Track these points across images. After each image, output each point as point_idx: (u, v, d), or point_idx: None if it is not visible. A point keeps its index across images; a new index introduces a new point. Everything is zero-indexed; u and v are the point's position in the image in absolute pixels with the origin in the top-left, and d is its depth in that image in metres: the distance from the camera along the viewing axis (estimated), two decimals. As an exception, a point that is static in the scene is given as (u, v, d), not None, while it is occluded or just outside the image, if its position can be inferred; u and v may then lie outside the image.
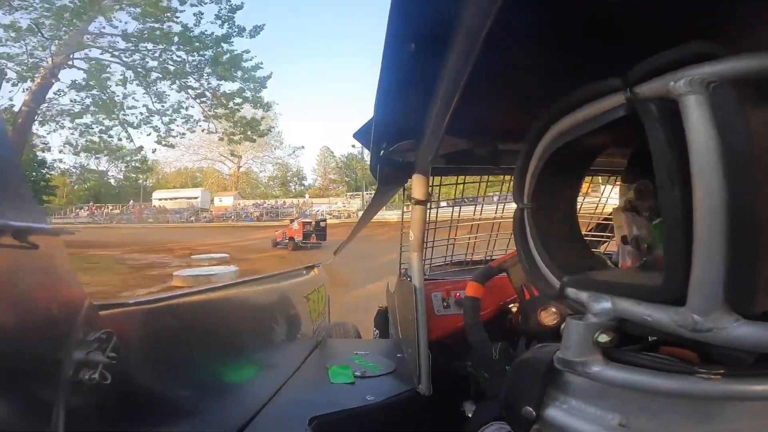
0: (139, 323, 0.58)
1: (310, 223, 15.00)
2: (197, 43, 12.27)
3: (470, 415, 0.88)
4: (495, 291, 1.26)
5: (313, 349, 1.42)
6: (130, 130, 14.05)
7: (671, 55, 0.36)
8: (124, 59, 12.91)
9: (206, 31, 12.53)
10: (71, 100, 13.30)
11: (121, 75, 13.14)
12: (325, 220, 15.93)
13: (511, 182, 0.84)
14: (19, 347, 0.38)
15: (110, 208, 40.92)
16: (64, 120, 13.59)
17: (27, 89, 11.86)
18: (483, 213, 1.73)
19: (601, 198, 1.59)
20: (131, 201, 41.81)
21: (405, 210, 1.53)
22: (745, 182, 0.32)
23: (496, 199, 1.73)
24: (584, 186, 1.51)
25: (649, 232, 0.56)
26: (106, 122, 13.91)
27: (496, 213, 1.71)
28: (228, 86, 13.65)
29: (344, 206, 32.07)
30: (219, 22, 12.30)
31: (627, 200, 0.59)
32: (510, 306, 1.29)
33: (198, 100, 13.53)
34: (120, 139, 14.73)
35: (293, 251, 13.50)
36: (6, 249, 0.36)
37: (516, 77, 0.60)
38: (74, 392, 0.43)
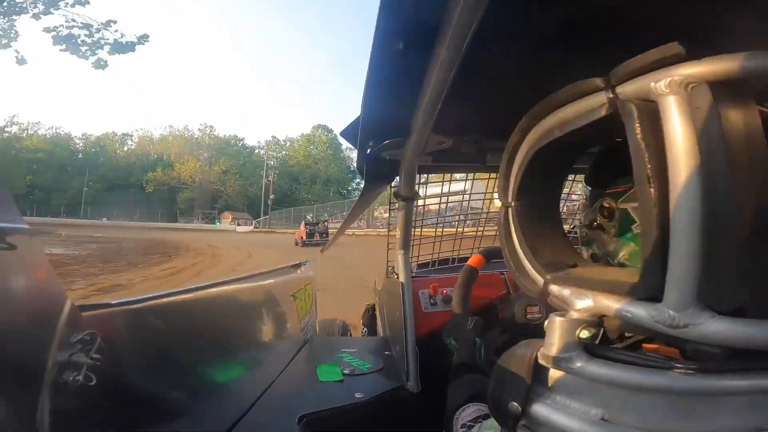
0: (123, 324, 0.57)
1: (313, 225, 20.00)
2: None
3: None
4: (483, 286, 1.28)
5: (301, 347, 1.42)
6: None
7: (652, 55, 0.37)
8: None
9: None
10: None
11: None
12: (326, 221, 21.15)
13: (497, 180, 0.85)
14: (1, 351, 0.37)
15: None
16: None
17: None
18: (469, 209, 1.74)
19: (584, 196, 1.62)
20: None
21: (391, 208, 1.53)
22: (720, 181, 0.33)
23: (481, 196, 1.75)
24: (567, 184, 1.54)
25: (618, 248, 0.57)
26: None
27: (482, 210, 1.73)
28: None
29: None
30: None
31: (591, 219, 0.60)
32: (497, 303, 1.30)
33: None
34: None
35: (302, 247, 17.65)
36: None
37: (502, 76, 0.61)
38: (59, 394, 0.42)
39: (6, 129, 43.95)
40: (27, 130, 46.64)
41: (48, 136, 48.02)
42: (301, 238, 19.00)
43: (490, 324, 1.06)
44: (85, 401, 0.45)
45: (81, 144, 50.74)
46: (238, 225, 36.69)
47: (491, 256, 1.15)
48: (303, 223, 20.22)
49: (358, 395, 1.01)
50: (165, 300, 0.68)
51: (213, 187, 47.07)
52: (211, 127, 52.26)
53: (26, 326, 0.40)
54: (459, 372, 0.89)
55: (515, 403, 0.46)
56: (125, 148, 51.78)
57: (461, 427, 0.69)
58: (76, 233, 21.60)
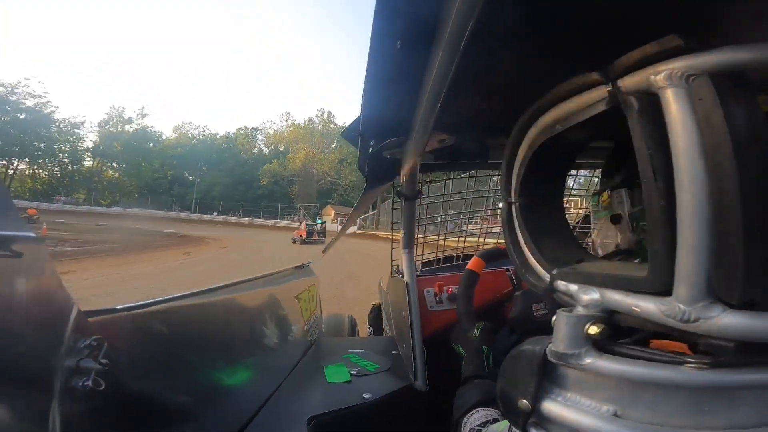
0: (129, 328, 0.57)
1: (313, 225, 21.92)
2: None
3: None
4: (488, 284, 1.27)
5: (307, 349, 1.42)
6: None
7: (651, 48, 0.37)
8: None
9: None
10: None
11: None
12: (324, 222, 22.77)
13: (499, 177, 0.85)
14: (9, 357, 0.38)
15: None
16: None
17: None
18: (472, 207, 1.74)
19: (588, 190, 1.62)
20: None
21: (394, 207, 1.53)
22: (726, 172, 0.33)
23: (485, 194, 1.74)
24: (570, 179, 1.53)
25: (638, 242, 0.56)
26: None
27: (484, 207, 1.72)
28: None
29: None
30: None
31: (614, 215, 0.58)
32: (504, 301, 1.30)
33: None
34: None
35: (301, 245, 19.06)
36: None
37: (502, 72, 0.61)
38: (68, 400, 0.42)
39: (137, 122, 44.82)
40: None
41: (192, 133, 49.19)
42: (300, 236, 20.78)
43: (497, 323, 1.05)
44: (95, 406, 0.45)
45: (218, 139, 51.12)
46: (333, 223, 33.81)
47: (491, 258, 1.14)
48: (304, 223, 22.13)
49: (366, 395, 1.01)
50: (171, 304, 0.68)
51: (327, 179, 44.99)
52: (329, 113, 51.04)
53: (34, 333, 0.41)
54: (467, 381, 0.89)
55: (525, 401, 0.46)
56: (255, 143, 52.32)
57: None
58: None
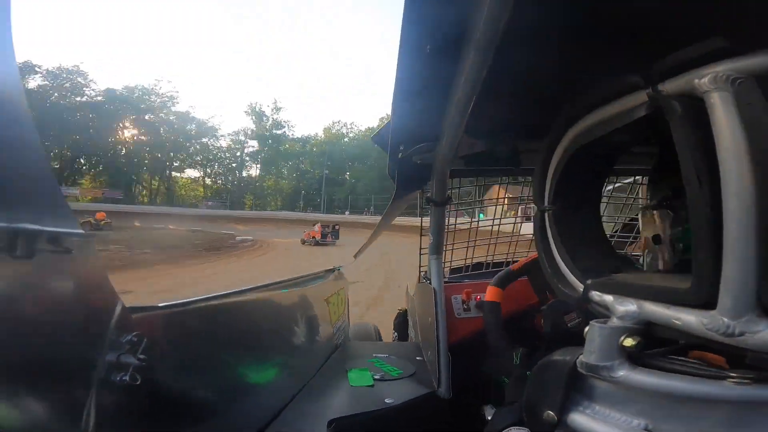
0: (168, 326, 0.59)
1: (327, 226, 20.38)
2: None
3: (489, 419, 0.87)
4: (517, 295, 1.24)
5: (333, 352, 1.43)
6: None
7: (694, 51, 0.35)
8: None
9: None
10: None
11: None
12: (337, 224, 21.34)
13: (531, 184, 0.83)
14: (54, 349, 0.40)
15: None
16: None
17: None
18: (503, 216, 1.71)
19: (627, 197, 1.55)
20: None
21: (424, 213, 1.53)
22: None
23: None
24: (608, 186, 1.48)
25: (685, 231, 0.54)
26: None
27: (516, 214, 1.69)
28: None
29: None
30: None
31: (663, 197, 0.56)
32: (532, 310, 1.26)
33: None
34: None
35: (314, 246, 18.29)
36: (41, 254, 0.38)
37: (534, 75, 0.59)
38: (105, 393, 0.44)
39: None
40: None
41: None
42: (313, 237, 19.33)
43: (528, 335, 1.03)
44: (129, 400, 0.48)
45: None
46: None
47: (506, 282, 1.11)
48: (319, 224, 20.57)
49: (388, 400, 1.01)
50: (206, 303, 0.71)
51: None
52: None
53: (79, 327, 0.43)
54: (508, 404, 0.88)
55: (551, 412, 0.45)
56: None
57: None
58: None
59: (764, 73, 0.32)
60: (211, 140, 43.46)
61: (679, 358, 0.43)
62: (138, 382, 0.47)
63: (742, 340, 0.33)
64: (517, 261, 1.29)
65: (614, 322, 0.44)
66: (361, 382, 1.14)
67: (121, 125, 38.93)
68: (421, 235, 1.62)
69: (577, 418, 0.44)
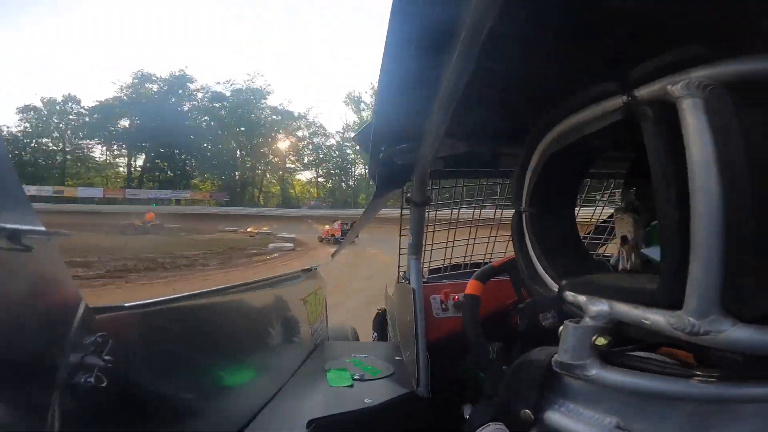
0: (135, 327, 0.57)
1: (346, 223, 19.25)
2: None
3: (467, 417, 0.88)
4: (495, 293, 1.26)
5: (311, 352, 1.42)
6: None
7: (669, 57, 0.36)
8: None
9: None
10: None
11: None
12: (356, 221, 19.69)
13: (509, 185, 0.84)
14: (14, 350, 0.38)
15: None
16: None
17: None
18: (482, 215, 1.73)
19: (600, 200, 1.60)
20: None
21: (403, 213, 1.53)
22: (741, 186, 0.32)
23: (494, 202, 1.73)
24: (582, 189, 1.52)
25: (648, 233, 0.56)
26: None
27: (494, 215, 1.71)
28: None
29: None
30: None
31: (628, 202, 0.58)
32: (510, 308, 1.29)
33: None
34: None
35: (334, 244, 16.97)
36: (0, 251, 0.36)
37: (516, 80, 0.60)
38: (70, 396, 0.42)
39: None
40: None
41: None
42: (332, 235, 18.83)
43: (505, 333, 1.04)
44: (96, 403, 0.46)
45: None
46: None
47: (487, 277, 1.13)
48: (339, 221, 19.79)
49: (367, 400, 1.00)
50: (176, 304, 0.69)
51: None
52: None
53: (41, 327, 0.41)
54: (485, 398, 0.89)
55: (527, 411, 0.45)
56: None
57: None
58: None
59: (735, 81, 0.33)
60: (321, 139, 42.28)
61: (648, 356, 0.44)
62: (104, 384, 0.45)
63: (707, 339, 0.35)
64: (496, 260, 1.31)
65: (587, 321, 0.45)
66: (340, 382, 1.13)
67: (233, 128, 38.55)
68: (400, 235, 1.62)
69: (552, 416, 0.44)
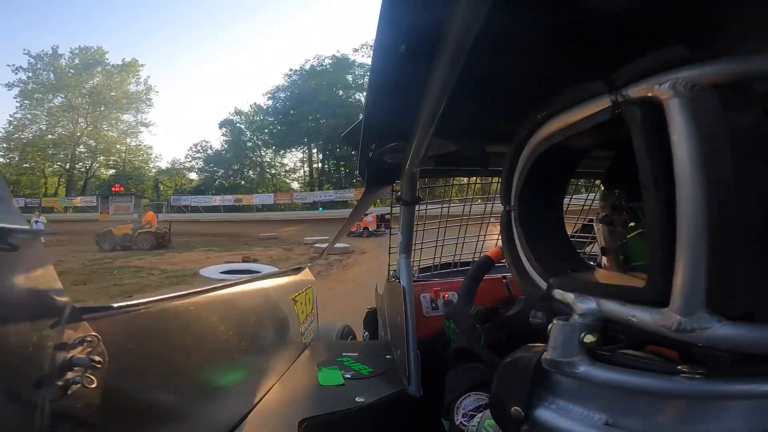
0: (123, 327, 0.56)
1: (381, 216, 18.39)
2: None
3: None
4: (487, 291, 1.27)
5: (301, 351, 1.41)
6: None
7: (655, 58, 0.37)
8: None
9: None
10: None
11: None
12: (387, 214, 18.71)
13: (499, 184, 0.85)
14: (1, 352, 0.37)
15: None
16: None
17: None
18: (471, 213, 1.74)
19: (587, 199, 1.62)
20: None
21: (393, 212, 1.53)
22: (726, 185, 0.33)
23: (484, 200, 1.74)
24: (570, 187, 1.54)
25: (623, 245, 0.57)
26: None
27: (484, 214, 1.72)
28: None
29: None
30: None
31: (604, 214, 0.60)
32: (500, 308, 1.30)
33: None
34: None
35: (367, 237, 17.08)
36: None
37: (505, 80, 0.61)
38: (57, 397, 0.42)
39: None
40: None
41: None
42: (365, 228, 17.97)
43: (494, 331, 1.05)
44: (84, 404, 0.45)
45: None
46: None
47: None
48: (373, 214, 18.35)
49: (359, 399, 1.00)
50: (166, 304, 0.68)
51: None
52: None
53: (27, 328, 0.40)
54: (458, 358, 0.87)
55: (518, 408, 0.46)
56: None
57: (462, 417, 0.68)
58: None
59: (722, 81, 0.34)
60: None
61: (635, 353, 0.45)
62: (93, 386, 0.44)
63: (692, 336, 0.35)
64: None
65: (575, 319, 0.46)
66: (331, 381, 1.13)
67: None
68: (390, 234, 1.63)
69: (542, 413, 0.45)
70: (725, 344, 0.34)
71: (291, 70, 36.68)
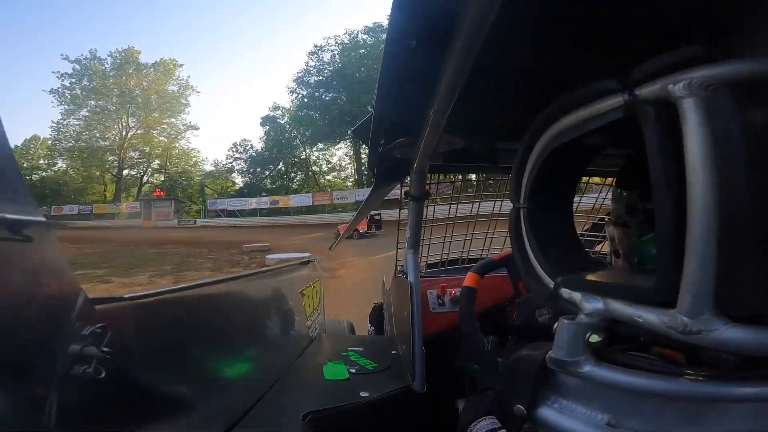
0: (134, 318, 0.57)
1: (372, 217, 17.53)
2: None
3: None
4: (493, 288, 1.26)
5: (307, 345, 1.42)
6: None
7: (670, 57, 0.36)
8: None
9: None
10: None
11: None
12: (380, 214, 18.48)
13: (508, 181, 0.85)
14: (13, 340, 0.38)
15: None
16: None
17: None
18: (480, 211, 1.73)
19: (598, 198, 1.60)
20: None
21: (402, 207, 1.53)
22: (738, 186, 0.32)
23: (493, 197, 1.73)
24: (581, 186, 1.52)
25: (638, 247, 0.56)
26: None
27: (492, 211, 1.71)
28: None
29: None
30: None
31: (617, 216, 0.59)
32: (506, 305, 1.29)
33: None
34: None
35: (358, 239, 16.18)
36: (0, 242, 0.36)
37: (516, 76, 0.60)
38: (68, 386, 0.42)
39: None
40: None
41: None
42: (356, 230, 16.76)
43: (500, 329, 1.05)
44: (93, 393, 0.46)
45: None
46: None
47: (486, 270, 1.13)
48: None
49: (363, 394, 1.01)
50: (175, 295, 0.69)
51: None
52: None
53: (40, 318, 0.41)
54: (480, 392, 0.88)
55: (521, 406, 0.46)
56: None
57: None
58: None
59: (737, 80, 0.33)
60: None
61: (641, 354, 0.44)
62: (102, 375, 0.45)
63: (699, 338, 0.35)
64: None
65: (582, 318, 0.45)
66: (336, 375, 1.14)
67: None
68: (398, 229, 1.62)
69: (545, 412, 0.45)
70: (731, 347, 0.34)
71: (316, 46, 31.26)
